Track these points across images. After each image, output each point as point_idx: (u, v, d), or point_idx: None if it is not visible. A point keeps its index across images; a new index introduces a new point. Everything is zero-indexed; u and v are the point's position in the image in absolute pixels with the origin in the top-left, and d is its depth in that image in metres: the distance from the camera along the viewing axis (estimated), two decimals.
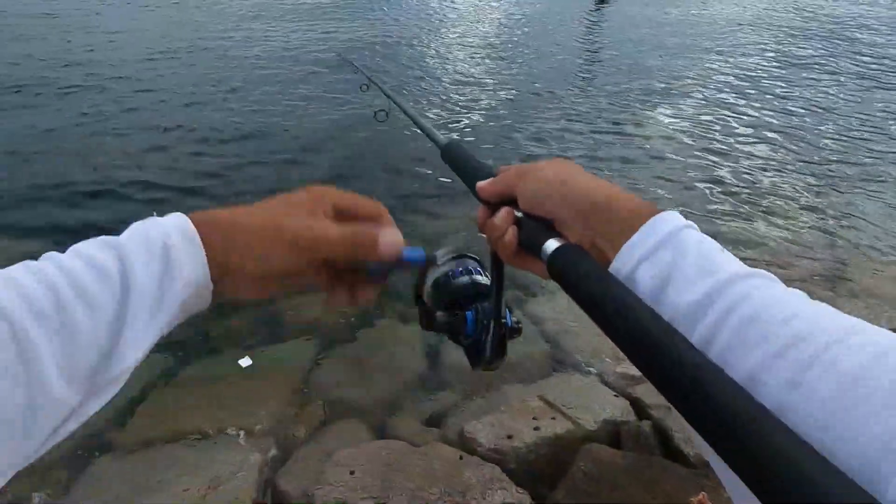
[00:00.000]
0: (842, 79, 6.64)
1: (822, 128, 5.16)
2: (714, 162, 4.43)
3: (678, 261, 0.39)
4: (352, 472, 1.92)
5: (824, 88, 6.26)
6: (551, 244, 0.45)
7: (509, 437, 2.04)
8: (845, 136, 4.97)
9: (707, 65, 6.99)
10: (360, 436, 2.17)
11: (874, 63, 7.37)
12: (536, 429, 2.06)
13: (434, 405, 2.33)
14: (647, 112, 5.44)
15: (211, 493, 1.87)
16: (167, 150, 4.23)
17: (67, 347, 0.35)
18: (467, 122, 5.06)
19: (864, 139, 4.98)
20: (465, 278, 0.60)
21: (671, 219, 0.42)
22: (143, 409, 2.24)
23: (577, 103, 5.73)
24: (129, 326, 0.37)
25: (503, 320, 0.57)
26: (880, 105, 5.89)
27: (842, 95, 6.04)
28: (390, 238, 0.48)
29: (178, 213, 0.43)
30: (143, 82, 5.70)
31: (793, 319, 0.32)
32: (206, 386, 2.37)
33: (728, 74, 6.65)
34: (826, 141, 4.88)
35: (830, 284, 3.05)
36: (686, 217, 0.43)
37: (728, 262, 0.38)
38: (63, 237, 3.14)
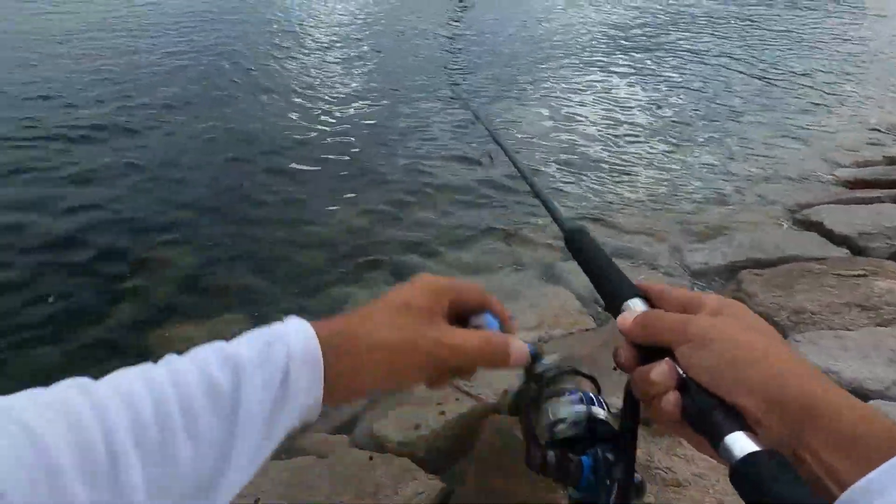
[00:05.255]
0: (683, 65, 7.21)
1: (654, 105, 5.73)
2: (572, 135, 4.84)
3: None
4: (256, 501, 1.80)
5: (665, 74, 6.82)
6: (740, 443, 0.33)
7: (417, 426, 2.03)
8: (681, 111, 5.62)
9: (564, 58, 7.35)
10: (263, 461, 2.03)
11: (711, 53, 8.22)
12: (442, 413, 2.06)
13: (342, 412, 2.24)
14: (514, 97, 5.80)
15: None
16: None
17: (163, 478, 0.33)
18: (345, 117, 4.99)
19: (695, 110, 5.58)
20: (580, 409, 0.45)
21: None
22: None
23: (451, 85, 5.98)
24: (233, 460, 0.36)
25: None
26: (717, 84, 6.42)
27: (679, 80, 6.60)
28: (520, 349, 0.46)
29: (304, 327, 0.41)
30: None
31: None
32: None
33: (583, 64, 7.05)
34: (659, 116, 5.48)
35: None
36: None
37: None
38: None
